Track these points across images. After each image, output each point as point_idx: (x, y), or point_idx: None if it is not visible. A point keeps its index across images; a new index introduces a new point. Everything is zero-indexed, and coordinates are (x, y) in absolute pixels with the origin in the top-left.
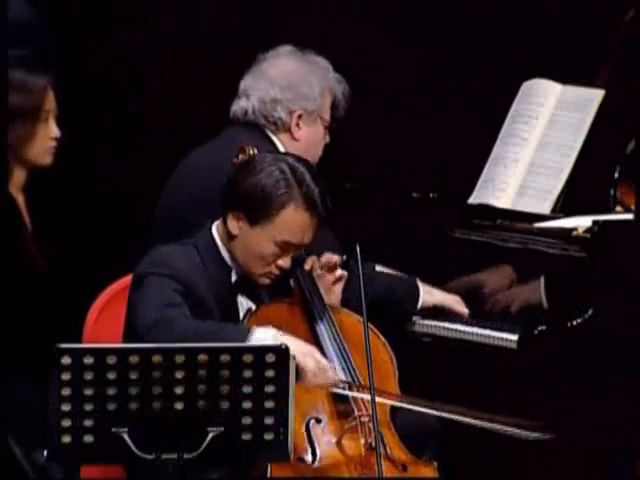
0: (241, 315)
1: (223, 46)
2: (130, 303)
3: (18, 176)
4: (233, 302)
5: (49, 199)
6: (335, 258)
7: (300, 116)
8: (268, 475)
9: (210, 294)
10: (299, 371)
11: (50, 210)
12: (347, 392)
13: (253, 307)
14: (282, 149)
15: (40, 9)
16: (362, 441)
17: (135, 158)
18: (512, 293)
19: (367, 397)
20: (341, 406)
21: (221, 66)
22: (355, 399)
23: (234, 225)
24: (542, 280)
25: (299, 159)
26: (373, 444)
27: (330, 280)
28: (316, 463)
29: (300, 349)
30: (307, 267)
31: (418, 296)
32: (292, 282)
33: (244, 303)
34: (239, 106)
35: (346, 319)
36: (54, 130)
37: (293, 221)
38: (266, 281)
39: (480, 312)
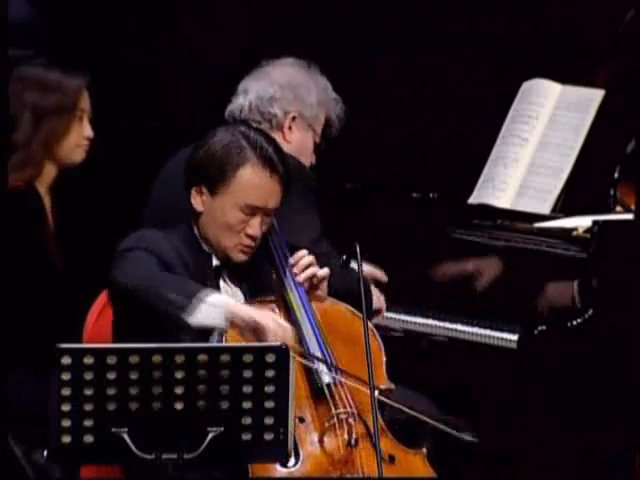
0: None
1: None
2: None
3: (48, 173)
4: (217, 288)
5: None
6: (321, 274)
7: (294, 118)
8: (250, 475)
9: (194, 278)
10: (260, 333)
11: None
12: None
13: (239, 294)
14: None
15: (40, 9)
16: (342, 439)
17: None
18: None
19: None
20: (320, 404)
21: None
22: (333, 397)
23: (198, 201)
24: (576, 283)
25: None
26: (353, 442)
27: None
28: (299, 464)
29: (258, 313)
30: (292, 261)
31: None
32: (274, 278)
33: (228, 290)
34: (236, 103)
35: (331, 308)
36: (87, 130)
37: (252, 181)
38: (240, 256)
39: (479, 311)
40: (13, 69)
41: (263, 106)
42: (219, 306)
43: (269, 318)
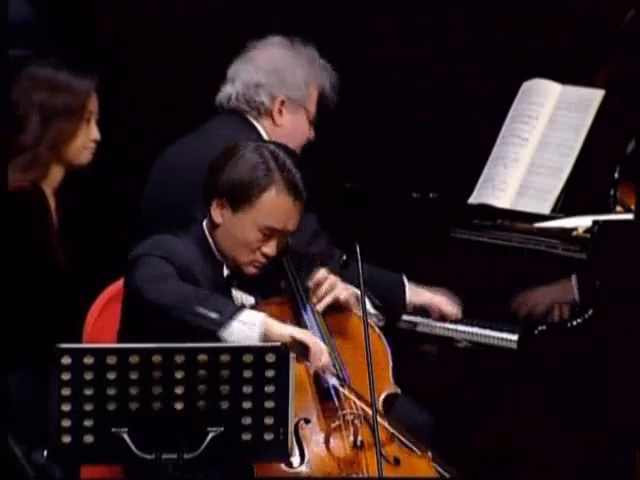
0: None
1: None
2: (125, 287)
3: (55, 174)
4: (229, 296)
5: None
6: (343, 298)
7: (283, 102)
8: (254, 476)
9: (207, 285)
10: (301, 350)
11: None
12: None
13: (251, 300)
14: (265, 136)
15: (40, 9)
16: (348, 440)
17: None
18: (540, 294)
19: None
20: (327, 405)
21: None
22: (339, 397)
23: (217, 213)
24: (574, 278)
25: (279, 145)
26: (358, 443)
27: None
28: (304, 464)
29: (299, 330)
30: (311, 285)
31: (404, 292)
32: (283, 283)
33: (239, 297)
34: (224, 92)
35: (340, 313)
36: (95, 132)
37: (275, 205)
38: (253, 270)
39: (479, 311)
40: (22, 69)
41: (249, 94)
42: (255, 324)
43: (310, 336)
